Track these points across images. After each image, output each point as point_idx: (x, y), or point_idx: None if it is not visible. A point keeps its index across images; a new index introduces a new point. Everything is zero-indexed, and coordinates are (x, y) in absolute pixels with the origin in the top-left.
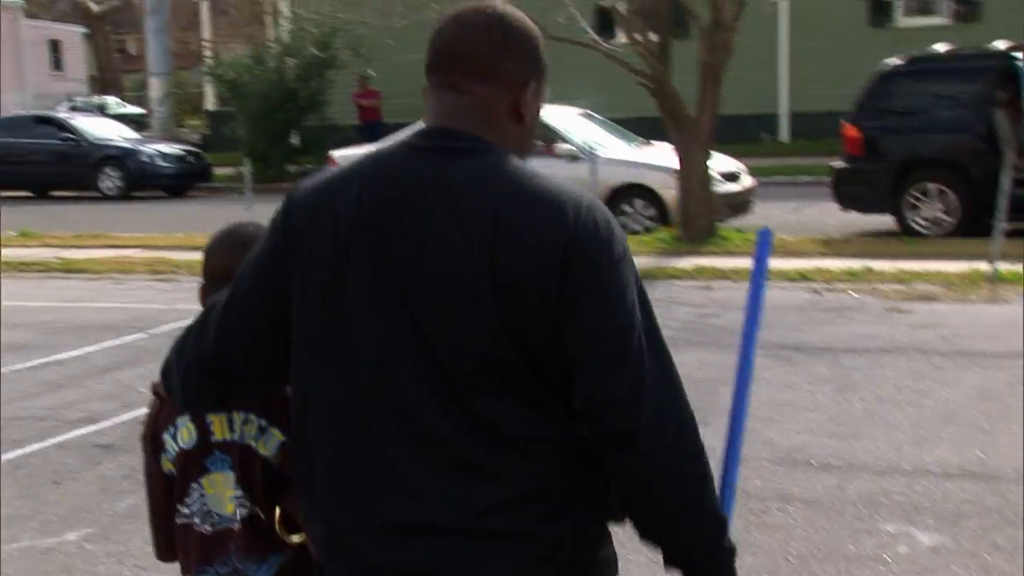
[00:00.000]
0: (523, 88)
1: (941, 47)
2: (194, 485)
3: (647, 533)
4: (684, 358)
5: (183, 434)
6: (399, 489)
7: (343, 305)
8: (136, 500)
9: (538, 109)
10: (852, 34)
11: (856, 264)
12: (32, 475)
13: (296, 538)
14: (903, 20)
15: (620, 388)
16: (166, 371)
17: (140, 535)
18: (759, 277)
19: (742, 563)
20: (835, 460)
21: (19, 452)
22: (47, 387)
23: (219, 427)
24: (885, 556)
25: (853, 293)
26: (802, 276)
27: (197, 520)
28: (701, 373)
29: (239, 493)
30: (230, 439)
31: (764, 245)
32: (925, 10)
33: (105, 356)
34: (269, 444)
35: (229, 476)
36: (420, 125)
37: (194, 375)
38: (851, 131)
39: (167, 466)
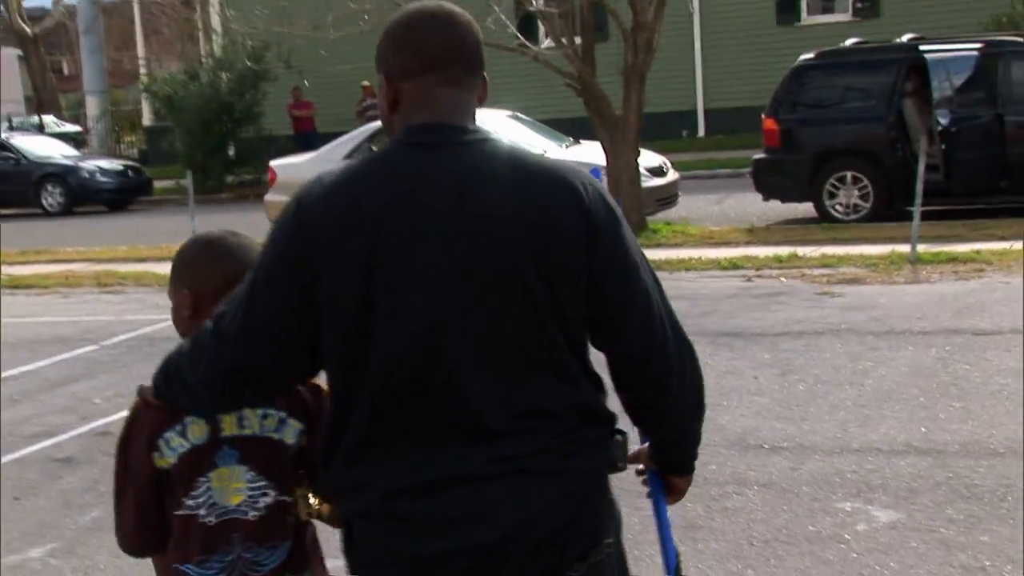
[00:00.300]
0: (484, 78)
1: (850, 42)
2: (202, 479)
3: (661, 447)
4: None
5: (194, 431)
6: (443, 451)
7: (389, 288)
8: (100, 513)
9: None
10: (760, 32)
11: (783, 251)
12: None
13: (326, 507)
14: (808, 18)
15: (656, 343)
16: (165, 380)
17: (106, 548)
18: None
19: (706, 548)
20: (785, 442)
21: None
22: (2, 403)
23: (228, 424)
24: (845, 535)
25: (783, 279)
26: (733, 264)
27: (202, 512)
28: None
29: (257, 483)
30: (240, 434)
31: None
32: (828, 8)
33: (58, 370)
34: (290, 434)
35: (236, 470)
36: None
37: (217, 378)
38: (769, 124)
39: (161, 463)
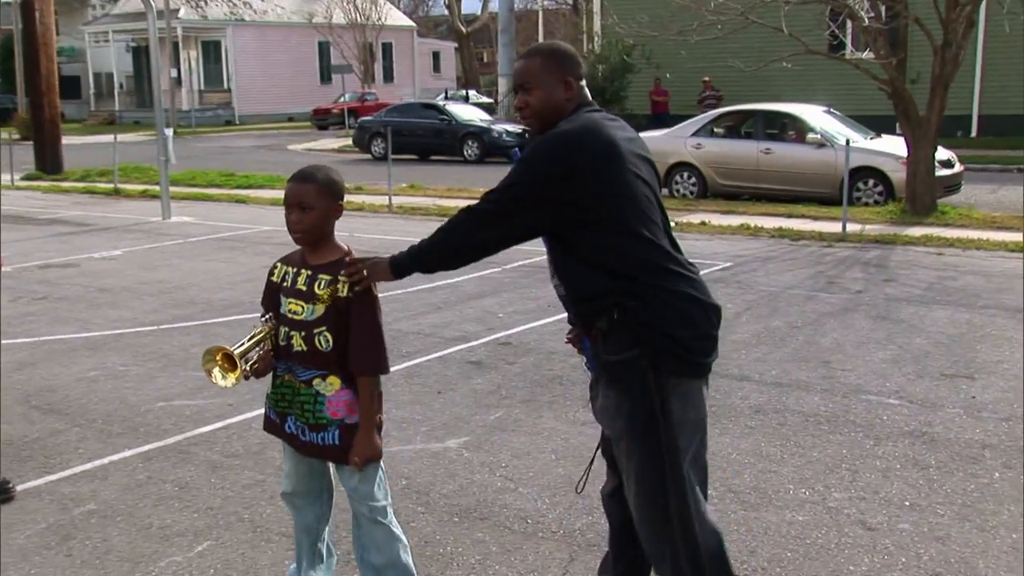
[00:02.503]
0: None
1: None
2: None
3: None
4: (935, 315)
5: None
6: None
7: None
8: (502, 414)
9: None
10: None
11: None
12: (421, 384)
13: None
14: None
15: None
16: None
17: (508, 447)
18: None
19: None
20: None
21: (410, 363)
22: (430, 308)
23: None
24: None
25: None
26: (1020, 247)
27: None
28: (955, 330)
29: None
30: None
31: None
32: None
33: (471, 286)
34: None
35: None
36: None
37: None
38: None
39: None
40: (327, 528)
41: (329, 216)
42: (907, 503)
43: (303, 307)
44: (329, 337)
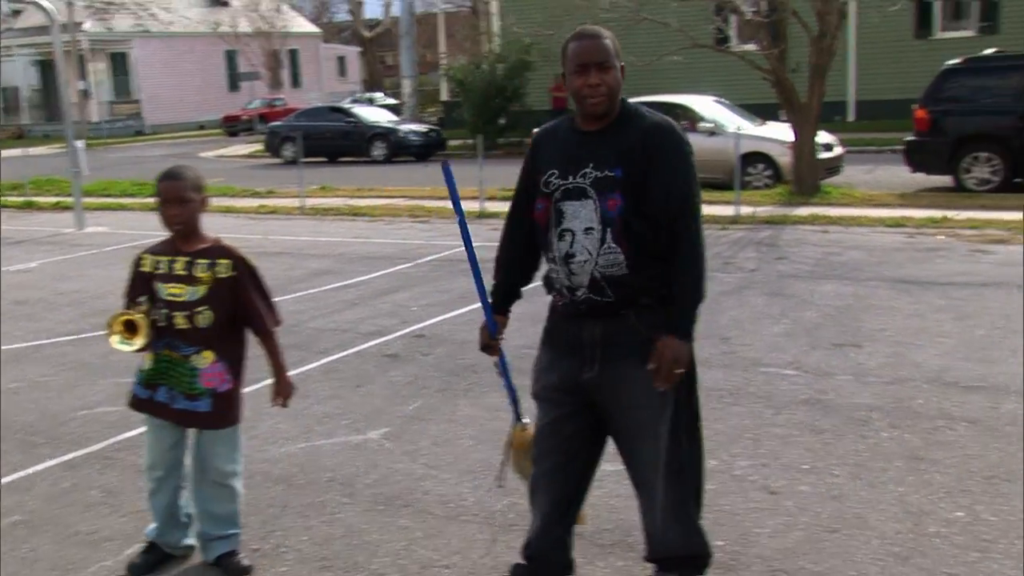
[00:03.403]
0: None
1: (990, 51)
2: None
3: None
4: (823, 289)
5: None
6: None
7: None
8: (420, 403)
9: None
10: (902, 43)
11: (935, 214)
12: (340, 380)
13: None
14: (940, 33)
15: None
16: None
17: (427, 435)
18: (454, 193)
19: (932, 480)
20: (979, 382)
21: (328, 359)
22: (345, 305)
23: None
24: None
25: (941, 237)
26: (896, 223)
27: None
28: (842, 302)
29: None
30: None
31: (448, 173)
32: (957, 27)
33: (384, 281)
34: None
35: None
36: None
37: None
38: (921, 113)
39: None
40: (184, 494)
41: (200, 207)
42: (805, 466)
43: (185, 289)
44: (210, 315)
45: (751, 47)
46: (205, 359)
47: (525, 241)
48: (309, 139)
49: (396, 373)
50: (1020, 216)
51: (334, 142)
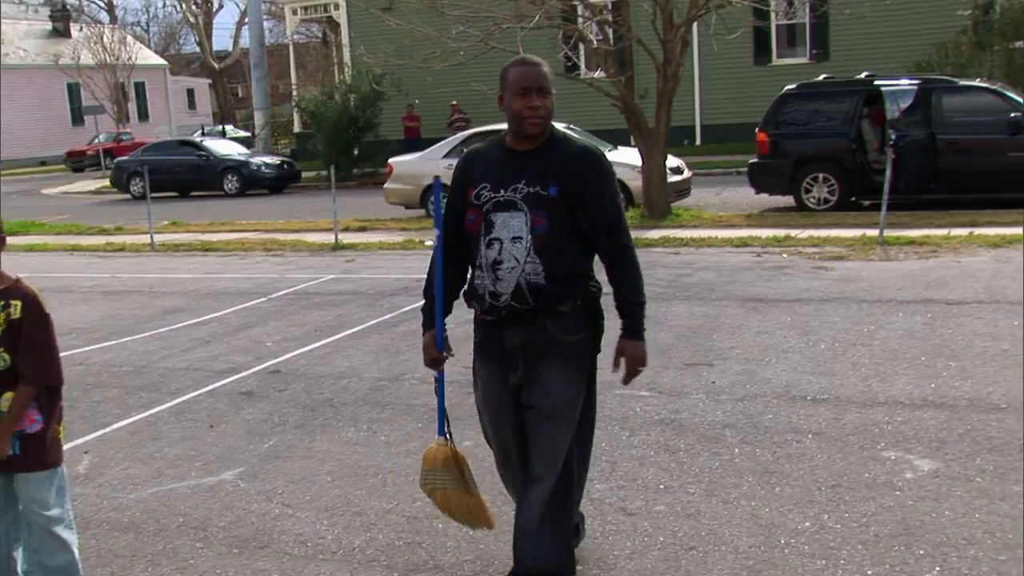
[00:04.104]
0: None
1: (822, 77)
2: None
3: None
4: (676, 310)
5: None
6: None
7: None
8: (276, 441)
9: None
10: (742, 70)
11: (779, 232)
12: (192, 420)
13: None
14: (777, 60)
15: None
16: None
17: (283, 474)
18: (439, 205)
19: (782, 492)
20: (824, 395)
21: (180, 399)
22: (197, 343)
23: None
24: (896, 482)
25: (785, 255)
26: (743, 243)
27: None
28: (694, 322)
29: None
30: None
31: (438, 188)
32: (791, 54)
33: (238, 317)
34: None
35: None
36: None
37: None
38: (762, 136)
39: None
40: (20, 547)
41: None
42: (661, 486)
43: None
44: (7, 357)
45: (600, 75)
46: (7, 401)
47: (453, 259)
48: (158, 173)
49: (251, 411)
50: (856, 234)
51: (185, 176)
